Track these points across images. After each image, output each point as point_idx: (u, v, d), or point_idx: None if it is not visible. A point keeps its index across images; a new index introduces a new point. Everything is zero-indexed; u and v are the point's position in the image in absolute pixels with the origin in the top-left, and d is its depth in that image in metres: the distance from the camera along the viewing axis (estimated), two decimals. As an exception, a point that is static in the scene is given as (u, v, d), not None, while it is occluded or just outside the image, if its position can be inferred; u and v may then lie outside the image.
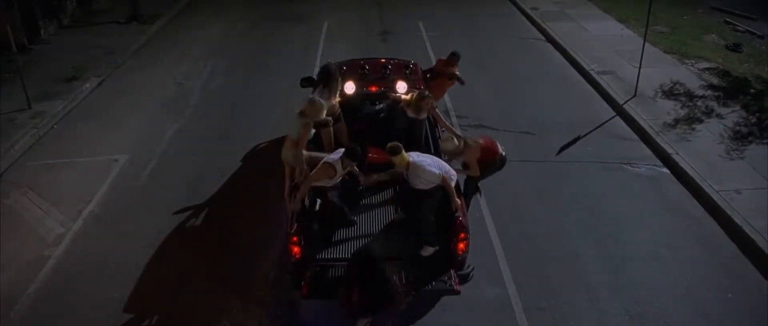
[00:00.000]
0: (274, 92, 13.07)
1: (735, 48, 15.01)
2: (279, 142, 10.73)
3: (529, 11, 18.68)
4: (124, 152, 10.59)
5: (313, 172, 6.95)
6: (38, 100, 12.20)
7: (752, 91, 12.50)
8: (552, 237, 8.26)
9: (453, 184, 6.92)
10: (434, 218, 6.89)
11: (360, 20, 18.52)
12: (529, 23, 18.06)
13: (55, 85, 13.16)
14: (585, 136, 11.00)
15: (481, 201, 8.86)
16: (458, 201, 6.89)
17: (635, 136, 11.06)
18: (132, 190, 9.51)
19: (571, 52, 14.98)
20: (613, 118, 11.82)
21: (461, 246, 6.75)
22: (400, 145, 6.80)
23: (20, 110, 11.82)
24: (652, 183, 9.57)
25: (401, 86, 8.80)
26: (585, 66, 14.08)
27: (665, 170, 9.93)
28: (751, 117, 11.36)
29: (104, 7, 19.70)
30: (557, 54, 15.50)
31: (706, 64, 14.03)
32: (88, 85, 13.41)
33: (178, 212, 8.84)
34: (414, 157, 6.83)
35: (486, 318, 6.87)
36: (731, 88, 12.64)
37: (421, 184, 6.83)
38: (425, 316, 6.85)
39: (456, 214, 6.77)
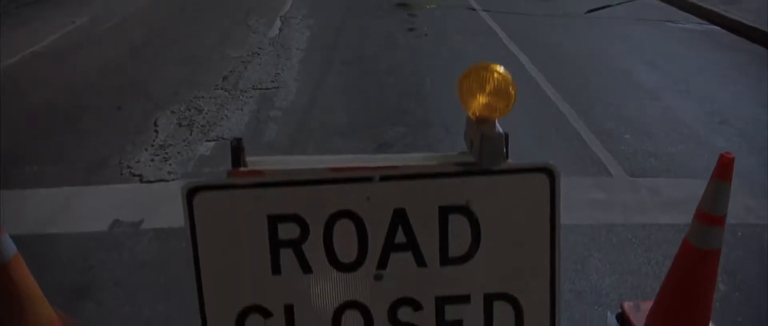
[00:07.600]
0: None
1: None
2: None
3: None
4: (85, 16, 9.13)
5: None
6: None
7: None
8: (595, 62, 6.85)
9: None
10: None
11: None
12: None
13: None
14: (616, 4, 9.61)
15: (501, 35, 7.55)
16: None
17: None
18: (86, 38, 8.07)
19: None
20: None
21: None
22: None
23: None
24: (702, 34, 8.19)
25: None
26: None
27: (714, 27, 8.55)
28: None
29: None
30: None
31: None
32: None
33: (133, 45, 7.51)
34: None
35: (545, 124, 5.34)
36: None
37: None
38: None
39: None
